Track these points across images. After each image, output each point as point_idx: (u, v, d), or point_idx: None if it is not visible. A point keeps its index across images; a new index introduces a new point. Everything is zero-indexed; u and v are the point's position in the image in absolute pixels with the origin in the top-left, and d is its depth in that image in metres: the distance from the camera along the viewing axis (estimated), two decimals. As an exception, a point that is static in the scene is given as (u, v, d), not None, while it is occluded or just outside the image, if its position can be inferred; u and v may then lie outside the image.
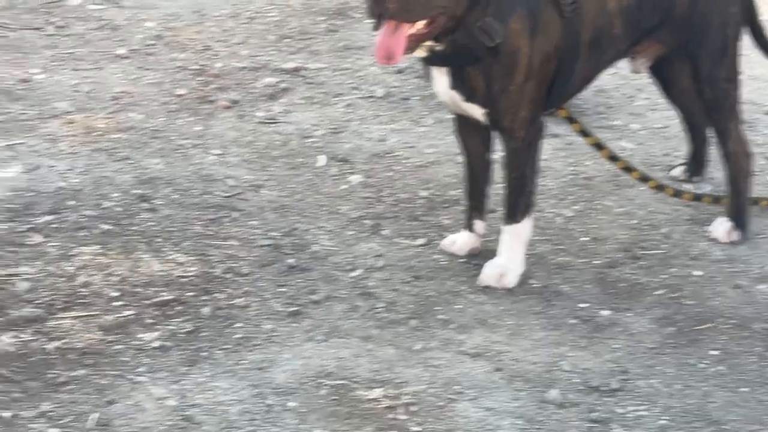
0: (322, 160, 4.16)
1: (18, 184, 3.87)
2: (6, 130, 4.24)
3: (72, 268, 3.40)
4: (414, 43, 3.08)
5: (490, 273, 3.39)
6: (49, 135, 4.22)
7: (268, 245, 3.59)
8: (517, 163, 3.34)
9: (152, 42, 5.14)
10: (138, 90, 4.66)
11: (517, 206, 3.38)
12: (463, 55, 3.19)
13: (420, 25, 3.06)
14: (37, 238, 3.56)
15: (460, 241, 3.55)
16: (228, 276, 3.41)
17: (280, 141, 4.30)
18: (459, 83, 3.25)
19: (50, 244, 3.52)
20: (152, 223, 3.69)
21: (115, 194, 3.85)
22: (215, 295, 3.32)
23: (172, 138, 4.29)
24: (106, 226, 3.66)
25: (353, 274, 3.44)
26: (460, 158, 3.59)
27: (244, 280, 3.40)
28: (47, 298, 3.24)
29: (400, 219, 3.76)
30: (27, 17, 5.31)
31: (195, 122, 4.42)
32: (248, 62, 4.96)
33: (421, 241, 3.63)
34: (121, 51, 5.02)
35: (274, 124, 4.42)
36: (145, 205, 3.80)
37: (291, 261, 3.49)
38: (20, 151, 4.10)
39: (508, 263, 3.39)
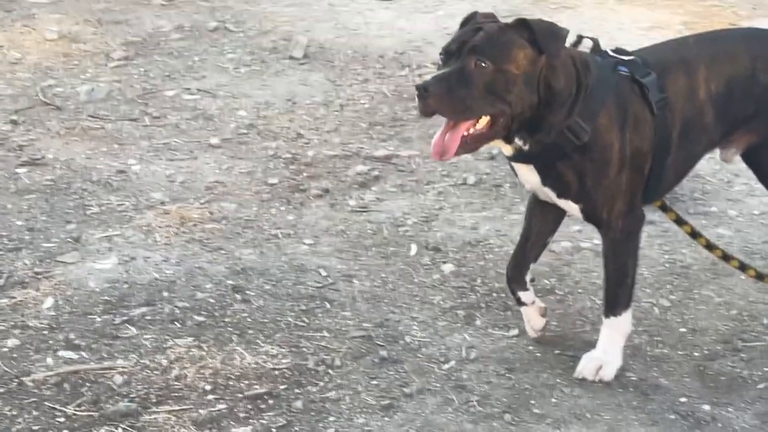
0: (414, 249, 4.15)
1: (114, 275, 3.92)
2: (103, 221, 4.31)
3: (166, 361, 3.42)
4: (473, 142, 3.10)
5: (587, 366, 3.33)
6: (144, 226, 4.28)
7: (361, 336, 3.57)
8: (616, 254, 3.29)
9: (245, 131, 5.21)
10: (231, 179, 4.71)
11: (618, 299, 3.32)
12: (551, 154, 3.17)
13: (481, 125, 3.07)
14: (132, 331, 3.59)
15: (527, 320, 3.54)
16: (320, 368, 3.40)
17: (372, 230, 4.30)
18: (551, 180, 3.23)
19: (145, 337, 3.55)
20: (245, 315, 3.71)
21: (209, 285, 3.88)
22: (308, 388, 3.30)
23: (265, 228, 4.32)
24: (200, 318, 3.68)
25: (446, 366, 3.40)
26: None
27: (336, 372, 3.38)
28: (142, 392, 3.26)
29: (493, 309, 3.72)
30: (124, 108, 5.42)
31: (287, 211, 4.45)
32: (340, 150, 4.99)
33: (514, 332, 3.58)
34: (215, 140, 5.09)
35: (365, 213, 4.43)
36: (238, 296, 3.81)
37: (383, 353, 3.47)
38: (116, 242, 4.15)
39: (606, 356, 3.33)
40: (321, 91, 5.65)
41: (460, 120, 3.06)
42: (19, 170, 4.70)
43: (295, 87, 5.67)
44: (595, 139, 3.15)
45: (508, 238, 4.20)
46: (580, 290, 3.85)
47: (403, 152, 4.96)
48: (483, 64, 3.05)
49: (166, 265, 4.00)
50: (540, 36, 3.08)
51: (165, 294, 3.81)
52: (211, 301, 3.78)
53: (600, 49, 3.35)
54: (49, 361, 3.40)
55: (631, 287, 3.33)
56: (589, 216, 3.28)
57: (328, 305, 3.76)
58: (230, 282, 3.90)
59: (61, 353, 3.44)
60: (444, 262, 4.04)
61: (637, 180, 3.25)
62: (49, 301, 3.73)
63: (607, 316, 3.34)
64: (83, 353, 3.45)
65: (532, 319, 3.53)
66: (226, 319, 3.67)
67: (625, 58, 3.29)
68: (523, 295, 3.52)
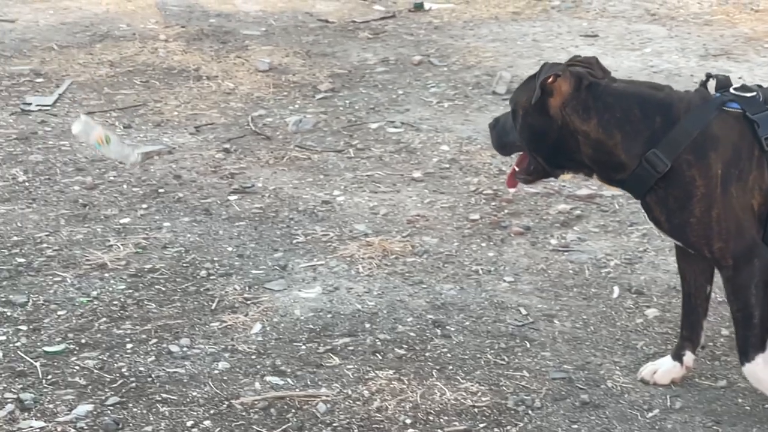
0: (616, 291, 4.09)
1: (318, 304, 4.01)
2: (308, 250, 4.42)
3: (367, 392, 3.47)
4: (523, 175, 3.40)
5: None
6: (348, 257, 4.36)
7: (561, 378, 3.54)
8: (735, 294, 3.21)
9: (447, 165, 5.26)
10: (433, 214, 4.76)
11: (747, 342, 3.23)
12: (637, 186, 3.22)
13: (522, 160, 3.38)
14: (335, 360, 3.66)
15: (663, 370, 3.46)
16: (520, 408, 3.39)
17: (573, 270, 4.27)
18: (648, 214, 3.27)
19: (347, 367, 3.61)
20: (445, 350, 3.73)
21: (410, 319, 3.92)
22: (507, 427, 3.30)
23: (466, 263, 4.34)
24: (401, 351, 3.72)
25: (650, 414, 3.34)
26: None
27: (536, 414, 3.36)
28: (344, 422, 3.31)
29: (699, 357, 3.63)
30: (330, 139, 5.55)
31: (488, 248, 4.46)
32: (541, 188, 4.97)
33: (722, 382, 3.49)
34: (417, 174, 5.16)
35: (567, 252, 4.40)
36: (439, 331, 3.84)
37: (584, 396, 3.43)
38: (321, 271, 4.25)
39: None
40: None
41: (502, 154, 3.54)
42: (230, 197, 4.87)
43: (497, 123, 5.70)
44: (676, 173, 3.14)
45: (716, 284, 4.09)
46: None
47: (605, 192, 4.92)
48: (510, 106, 3.37)
49: (369, 296, 4.07)
50: (538, 77, 3.22)
51: (367, 325, 3.87)
52: (412, 334, 3.82)
53: (725, 86, 3.27)
54: (257, 385, 3.50)
55: (756, 327, 3.19)
56: (697, 254, 3.25)
57: (528, 344, 3.75)
58: (431, 316, 3.93)
59: (268, 378, 3.53)
60: (648, 307, 3.98)
61: (740, 217, 3.14)
62: (257, 327, 3.84)
63: (742, 363, 3.25)
64: (289, 379, 3.54)
65: (665, 375, 3.47)
66: (427, 354, 3.71)
67: (747, 95, 3.21)
68: (687, 356, 3.46)
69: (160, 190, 4.93)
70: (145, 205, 4.78)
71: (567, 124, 3.21)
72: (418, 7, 7.57)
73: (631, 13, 7.39)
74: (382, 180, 5.10)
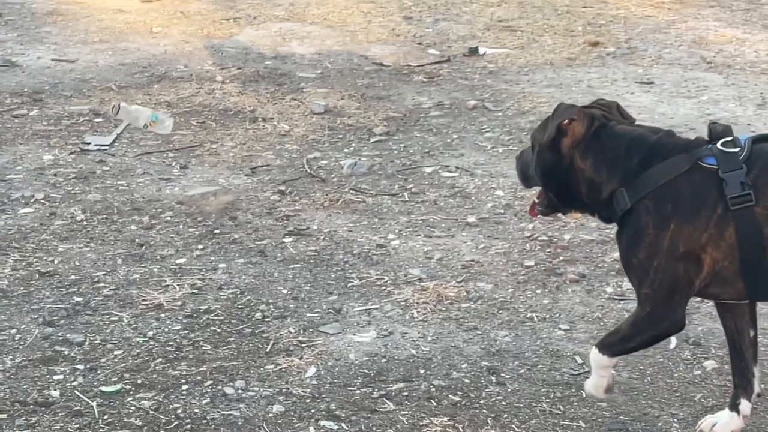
0: (673, 342, 4.05)
1: (372, 348, 4.00)
2: (363, 294, 4.42)
3: (422, 439, 3.46)
4: (541, 207, 3.51)
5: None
6: (402, 301, 4.36)
7: (618, 429, 3.51)
8: (632, 325, 3.30)
9: (501, 211, 5.25)
10: (487, 259, 4.75)
11: (611, 341, 3.35)
12: (607, 218, 3.39)
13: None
14: (390, 405, 3.65)
15: (722, 422, 3.41)
16: (576, 459, 3.36)
17: (629, 319, 4.23)
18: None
19: (402, 413, 3.60)
20: (500, 398, 3.71)
21: (464, 365, 3.91)
22: (563, 478, 3.27)
23: (520, 310, 4.32)
24: (455, 398, 3.70)
25: (708, 468, 3.30)
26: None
27: (592, 465, 3.33)
28: (400, 469, 3.30)
29: (757, 412, 3.58)
30: (384, 183, 5.56)
31: (543, 295, 4.44)
32: (597, 235, 4.95)
33: (782, 437, 3.45)
34: (472, 219, 5.15)
35: (623, 301, 4.37)
36: (493, 378, 3.82)
37: (641, 449, 3.40)
38: (375, 316, 4.25)
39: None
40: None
41: (524, 186, 3.62)
42: (285, 239, 4.89)
43: (552, 169, 5.68)
44: (633, 215, 3.25)
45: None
46: None
47: (662, 240, 4.88)
48: (530, 141, 3.52)
49: (423, 341, 4.06)
50: (552, 117, 3.38)
51: (421, 371, 3.86)
52: (466, 381, 3.81)
53: (720, 137, 3.26)
54: (311, 430, 3.49)
55: (624, 348, 3.34)
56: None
57: (584, 394, 3.71)
58: (485, 363, 3.92)
59: (322, 423, 3.53)
60: (705, 358, 3.93)
61: (678, 274, 3.18)
62: (311, 370, 3.84)
63: (596, 346, 3.38)
64: (343, 424, 3.53)
65: (725, 427, 3.43)
66: (481, 401, 3.69)
67: (729, 150, 3.20)
68: (743, 405, 3.42)
69: (216, 231, 4.97)
70: (200, 246, 4.82)
71: (573, 163, 3.36)
72: (473, 52, 7.59)
73: (686, 61, 7.37)
74: (437, 224, 5.10)
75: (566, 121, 3.34)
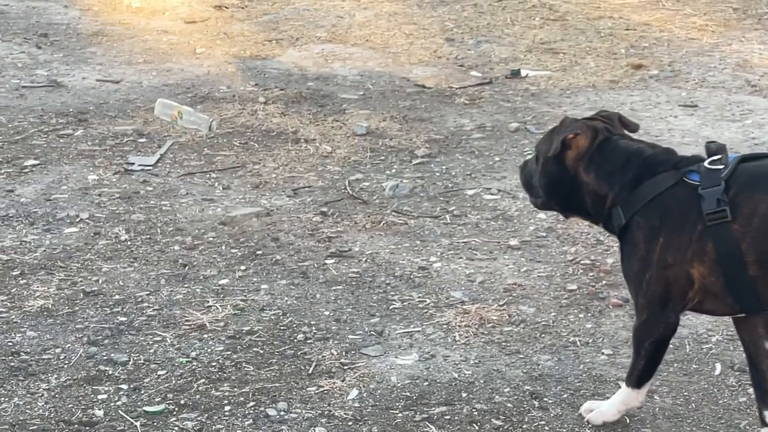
0: (718, 368, 4.02)
1: (415, 371, 4.00)
2: (405, 316, 4.42)
3: (465, 463, 3.44)
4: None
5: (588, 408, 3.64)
6: (444, 324, 4.35)
7: (662, 456, 3.49)
8: (635, 336, 3.50)
9: (543, 234, 5.23)
10: (529, 283, 4.74)
11: (631, 372, 3.54)
12: (610, 230, 3.54)
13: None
14: (432, 429, 3.64)
15: None
16: (619, 486, 3.33)
17: (673, 345, 4.18)
18: None
19: (444, 437, 3.59)
20: (543, 422, 3.69)
21: (506, 389, 3.89)
22: (606, 505, 3.24)
23: (563, 334, 4.30)
24: (498, 422, 3.69)
25: (754, 497, 3.26)
26: None
27: (636, 492, 3.30)
28: (441, 493, 3.29)
29: (802, 439, 3.55)
30: (426, 205, 5.56)
31: (586, 319, 4.42)
32: (640, 259, 4.92)
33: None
34: (514, 242, 5.14)
35: (667, 326, 4.33)
36: (536, 402, 3.81)
37: (686, 476, 3.37)
38: (417, 338, 4.24)
39: (603, 406, 3.62)
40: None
41: (528, 194, 3.77)
42: (327, 261, 4.90)
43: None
44: (627, 231, 3.41)
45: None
46: None
47: (706, 265, 4.85)
48: (534, 152, 3.68)
49: (465, 365, 4.05)
50: (556, 132, 3.52)
51: (464, 395, 3.85)
52: (509, 405, 3.79)
53: (710, 155, 3.35)
54: (354, 453, 3.50)
55: (644, 374, 3.51)
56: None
57: (627, 420, 3.69)
58: (528, 387, 3.90)
59: (364, 446, 3.53)
60: (750, 385, 3.89)
61: (669, 285, 3.34)
62: (354, 393, 3.84)
63: (627, 385, 3.57)
64: (385, 448, 3.53)
65: None
66: (524, 426, 3.67)
67: (713, 167, 3.29)
68: (766, 415, 3.49)
69: (258, 252, 4.99)
70: (243, 267, 4.83)
71: (577, 175, 3.51)
72: (515, 74, 7.59)
73: (731, 84, 7.32)
74: (479, 247, 5.09)
75: (571, 135, 3.47)
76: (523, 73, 7.63)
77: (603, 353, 4.14)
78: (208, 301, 4.51)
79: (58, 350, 4.12)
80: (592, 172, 3.48)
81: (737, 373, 3.98)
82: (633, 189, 3.40)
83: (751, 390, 3.86)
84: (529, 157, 3.81)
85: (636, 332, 3.50)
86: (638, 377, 3.52)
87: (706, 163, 3.32)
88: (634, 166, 3.42)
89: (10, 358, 4.06)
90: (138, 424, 3.64)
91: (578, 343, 4.23)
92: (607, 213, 3.48)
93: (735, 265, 3.25)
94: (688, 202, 3.30)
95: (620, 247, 3.49)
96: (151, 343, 4.18)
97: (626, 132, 3.62)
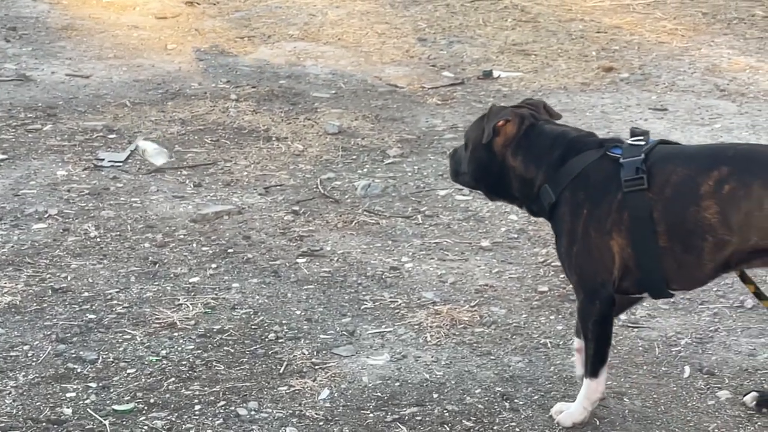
0: (687, 371, 4.04)
1: (386, 372, 4.00)
2: (376, 317, 4.41)
3: (435, 464, 3.44)
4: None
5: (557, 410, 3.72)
6: (416, 324, 4.35)
7: (632, 459, 3.50)
8: (581, 320, 3.59)
9: (515, 235, 5.24)
10: (500, 284, 4.74)
11: (588, 363, 3.59)
12: (537, 212, 3.67)
13: None
14: (403, 430, 3.64)
15: None
16: (589, 488, 3.34)
17: (643, 347, 4.22)
18: None
19: (415, 438, 3.59)
20: (513, 424, 3.70)
21: (477, 390, 3.90)
22: (577, 507, 3.25)
23: (534, 336, 4.31)
24: (469, 423, 3.69)
25: (723, 500, 3.28)
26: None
27: (606, 494, 3.31)
28: (412, 494, 3.29)
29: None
30: (398, 205, 5.56)
31: (556, 321, 4.43)
32: (610, 261, 4.94)
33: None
34: (485, 243, 5.14)
35: (636, 329, 4.35)
36: (507, 404, 3.81)
37: (656, 479, 3.38)
38: (389, 339, 4.24)
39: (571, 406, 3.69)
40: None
41: (455, 182, 3.96)
42: (299, 260, 4.89)
43: (566, 194, 5.67)
44: (555, 209, 3.54)
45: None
46: None
47: (676, 268, 4.87)
48: (464, 139, 3.80)
49: (437, 366, 4.05)
50: (486, 119, 3.63)
51: (435, 395, 3.85)
52: (480, 406, 3.80)
53: (633, 136, 3.52)
54: (324, 453, 3.49)
55: (596, 359, 3.56)
56: None
57: (597, 422, 3.70)
58: (499, 389, 3.90)
59: (335, 447, 3.53)
60: (719, 388, 3.92)
61: (595, 257, 3.44)
62: (325, 393, 3.83)
63: (587, 376, 3.62)
64: (356, 449, 3.52)
65: None
66: (495, 427, 3.67)
67: (633, 141, 3.47)
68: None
69: (229, 250, 4.97)
70: (214, 265, 4.81)
71: (504, 161, 3.64)
72: (487, 75, 7.60)
73: (700, 88, 7.36)
74: (450, 248, 5.09)
75: (501, 122, 3.59)
76: (495, 74, 7.64)
77: (574, 355, 4.15)
78: (179, 300, 4.49)
79: (26, 347, 4.09)
80: (519, 156, 3.61)
81: (706, 376, 4.01)
82: (559, 167, 3.54)
83: (719, 393, 3.89)
84: (458, 145, 3.95)
85: (578, 316, 3.61)
86: (593, 364, 3.59)
87: (628, 141, 3.51)
88: (560, 146, 3.56)
89: (-22, 354, 4.02)
90: (107, 422, 3.61)
91: (549, 344, 4.24)
92: (536, 193, 3.59)
93: (646, 234, 3.39)
94: (610, 172, 3.47)
95: (552, 228, 3.62)
96: (120, 341, 4.15)
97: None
